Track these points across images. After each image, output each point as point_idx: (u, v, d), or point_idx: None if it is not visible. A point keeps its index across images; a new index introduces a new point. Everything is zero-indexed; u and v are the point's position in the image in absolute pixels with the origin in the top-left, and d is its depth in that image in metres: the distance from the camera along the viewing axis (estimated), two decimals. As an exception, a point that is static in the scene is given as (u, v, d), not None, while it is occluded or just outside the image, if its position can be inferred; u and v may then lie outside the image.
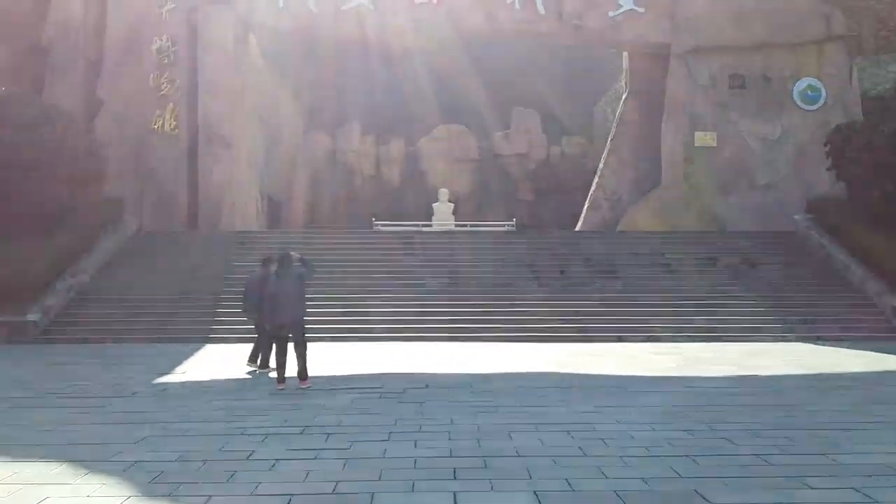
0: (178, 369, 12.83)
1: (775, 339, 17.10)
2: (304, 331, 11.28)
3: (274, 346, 11.41)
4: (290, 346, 11.08)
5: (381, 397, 10.16)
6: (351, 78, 45.24)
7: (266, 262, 13.08)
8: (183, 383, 11.50)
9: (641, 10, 25.25)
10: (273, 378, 11.67)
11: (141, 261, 20.45)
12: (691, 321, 17.74)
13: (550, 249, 22.41)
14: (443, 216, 33.76)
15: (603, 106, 41.35)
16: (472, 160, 44.68)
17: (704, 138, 25.36)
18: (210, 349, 15.69)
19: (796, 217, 23.29)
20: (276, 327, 11.14)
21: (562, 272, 20.72)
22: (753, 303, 18.77)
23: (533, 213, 41.83)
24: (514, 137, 44.72)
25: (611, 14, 25.28)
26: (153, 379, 11.78)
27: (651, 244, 22.31)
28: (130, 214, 23.07)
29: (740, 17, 24.95)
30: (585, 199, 31.05)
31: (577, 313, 18.10)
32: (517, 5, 25.32)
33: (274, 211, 36.98)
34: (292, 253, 11.44)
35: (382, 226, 30.39)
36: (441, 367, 13.06)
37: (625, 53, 29.63)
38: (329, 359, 13.85)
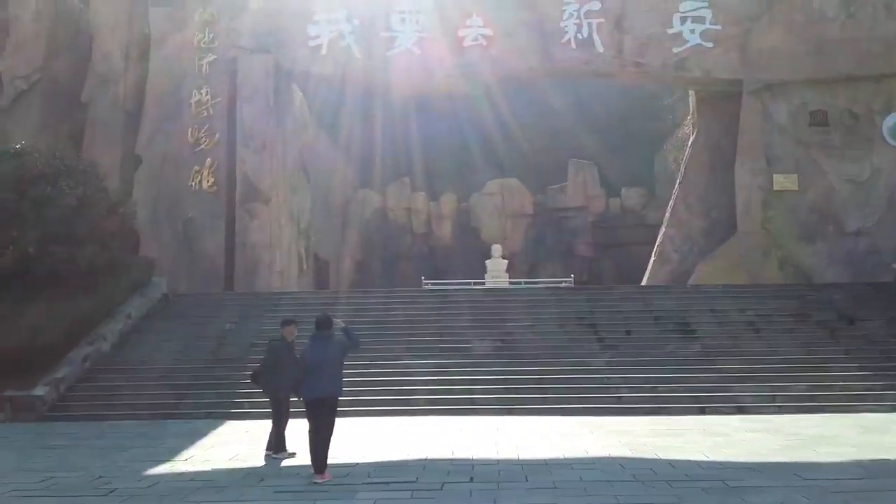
0: (184, 454, 10.92)
1: (888, 409, 14.41)
2: (336, 410, 9.33)
3: (308, 426, 9.30)
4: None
5: (412, 496, 8.07)
6: (401, 133, 44.15)
7: (286, 324, 11.22)
8: (179, 475, 9.56)
9: (709, 44, 23.12)
10: (286, 465, 9.73)
11: (167, 326, 18.89)
12: (785, 388, 15.16)
13: (614, 307, 20.09)
14: (496, 273, 31.72)
15: (664, 154, 39.10)
16: (527, 215, 42.81)
17: (784, 181, 22.86)
18: (230, 426, 13.79)
19: (895, 265, 20.54)
20: (308, 403, 9.18)
21: (628, 332, 18.35)
22: (856, 365, 16.09)
23: (591, 270, 39.54)
24: (570, 190, 42.77)
25: (675, 50, 23.21)
26: (147, 468, 9.89)
27: (730, 299, 19.78)
28: (162, 276, 21.65)
29: (820, 48, 22.63)
30: (647, 255, 28.67)
31: (648, 380, 15.70)
32: (573, 44, 23.50)
33: (321, 270, 35.61)
34: (336, 320, 9.56)
35: (431, 285, 28.48)
36: (490, 449, 10.86)
37: (691, 93, 27.51)
38: (358, 438, 11.79)
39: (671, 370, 16.05)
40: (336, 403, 9.35)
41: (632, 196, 41.38)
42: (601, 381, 15.68)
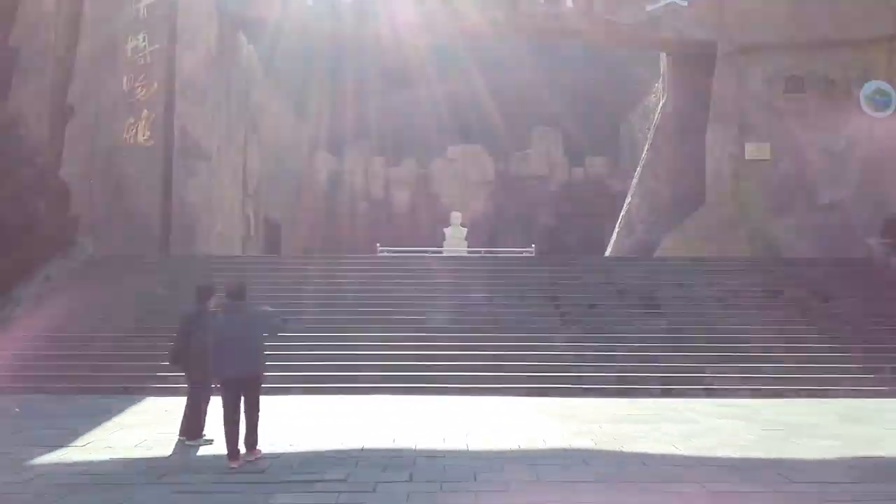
0: (83, 438, 9.47)
1: (868, 394, 13.49)
2: (261, 390, 8.13)
3: (221, 408, 8.08)
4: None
5: (337, 500, 6.76)
6: (360, 95, 42.40)
7: (202, 292, 9.76)
8: (68, 465, 8.13)
9: (684, 3, 21.87)
10: (200, 455, 8.39)
11: (90, 290, 17.21)
12: (758, 370, 14.16)
13: (577, 279, 18.95)
14: (455, 242, 30.50)
15: (630, 123, 38.01)
16: (488, 182, 41.63)
17: (756, 151, 21.86)
18: (149, 403, 12.35)
19: (871, 241, 19.67)
20: (225, 382, 7.96)
21: (591, 306, 17.21)
22: (832, 346, 15.17)
23: (553, 240, 38.56)
24: (533, 158, 41.66)
25: (649, 8, 21.91)
26: (33, 457, 8.43)
27: (699, 273, 18.75)
28: (89, 236, 19.91)
29: (798, 11, 21.52)
30: (610, 225, 27.61)
31: (611, 359, 14.58)
32: (541, -3, 22.08)
33: (273, 234, 33.98)
34: (267, 308, 8.25)
35: (386, 251, 27.10)
36: (437, 437, 9.59)
37: (662, 57, 26.29)
38: (290, 421, 10.43)
39: (636, 348, 14.94)
40: (259, 381, 8.15)
41: (596, 165, 40.44)
42: (562, 360, 14.52)
